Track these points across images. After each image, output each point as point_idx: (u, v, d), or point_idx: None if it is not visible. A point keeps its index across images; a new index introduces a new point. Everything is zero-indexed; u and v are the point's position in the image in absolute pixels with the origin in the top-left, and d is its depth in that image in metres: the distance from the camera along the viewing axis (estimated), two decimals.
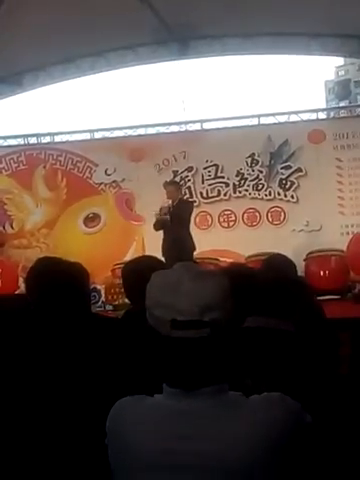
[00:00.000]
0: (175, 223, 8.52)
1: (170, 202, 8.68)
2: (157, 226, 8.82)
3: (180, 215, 8.61)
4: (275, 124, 11.39)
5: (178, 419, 1.43)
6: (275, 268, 3.38)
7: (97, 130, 12.02)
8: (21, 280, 9.44)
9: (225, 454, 1.38)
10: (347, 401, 1.94)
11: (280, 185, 11.07)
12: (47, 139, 12.14)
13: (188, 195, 11.13)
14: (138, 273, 2.85)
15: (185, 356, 1.41)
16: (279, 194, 11.06)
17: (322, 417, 1.66)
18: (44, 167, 11.82)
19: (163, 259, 6.02)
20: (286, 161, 11.06)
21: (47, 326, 2.37)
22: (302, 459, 1.45)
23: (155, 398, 1.50)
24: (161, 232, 8.77)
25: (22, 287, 7.99)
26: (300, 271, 7.41)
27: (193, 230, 9.24)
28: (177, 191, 9.08)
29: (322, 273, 9.33)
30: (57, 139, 12.09)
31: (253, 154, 11.13)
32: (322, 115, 11.64)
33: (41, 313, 2.45)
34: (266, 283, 2.30)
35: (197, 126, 11.70)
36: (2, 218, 11.86)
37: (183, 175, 11.29)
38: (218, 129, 11.47)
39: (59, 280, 2.46)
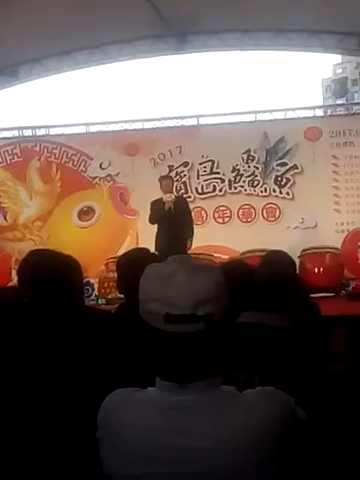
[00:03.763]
0: (179, 219, 8.50)
1: (173, 197, 8.69)
2: (154, 219, 8.75)
3: (185, 211, 8.68)
4: (271, 120, 11.37)
5: (171, 412, 1.41)
6: (273, 264, 3.35)
7: (93, 124, 11.98)
8: (14, 273, 9.40)
9: (218, 447, 1.37)
10: (342, 399, 1.93)
11: (276, 182, 11.05)
12: (42, 132, 12.09)
13: (183, 190, 11.12)
14: (132, 266, 2.82)
15: (179, 350, 1.39)
16: (274, 191, 11.04)
17: (316, 414, 1.64)
18: (39, 160, 11.78)
19: (156, 252, 6.00)
20: (282, 158, 11.04)
21: (40, 319, 2.35)
22: (296, 454, 1.44)
23: (148, 391, 1.48)
24: (155, 226, 8.74)
25: (15, 280, 7.95)
26: None
27: None
28: (173, 185, 9.14)
29: (317, 270, 9.31)
30: (52, 132, 12.04)
31: (249, 150, 11.10)
32: (319, 112, 11.62)
33: (34, 306, 2.43)
34: (262, 278, 2.29)
35: (193, 121, 11.66)
36: None
37: (178, 170, 11.26)
38: (214, 124, 11.43)
39: (51, 273, 2.44)
